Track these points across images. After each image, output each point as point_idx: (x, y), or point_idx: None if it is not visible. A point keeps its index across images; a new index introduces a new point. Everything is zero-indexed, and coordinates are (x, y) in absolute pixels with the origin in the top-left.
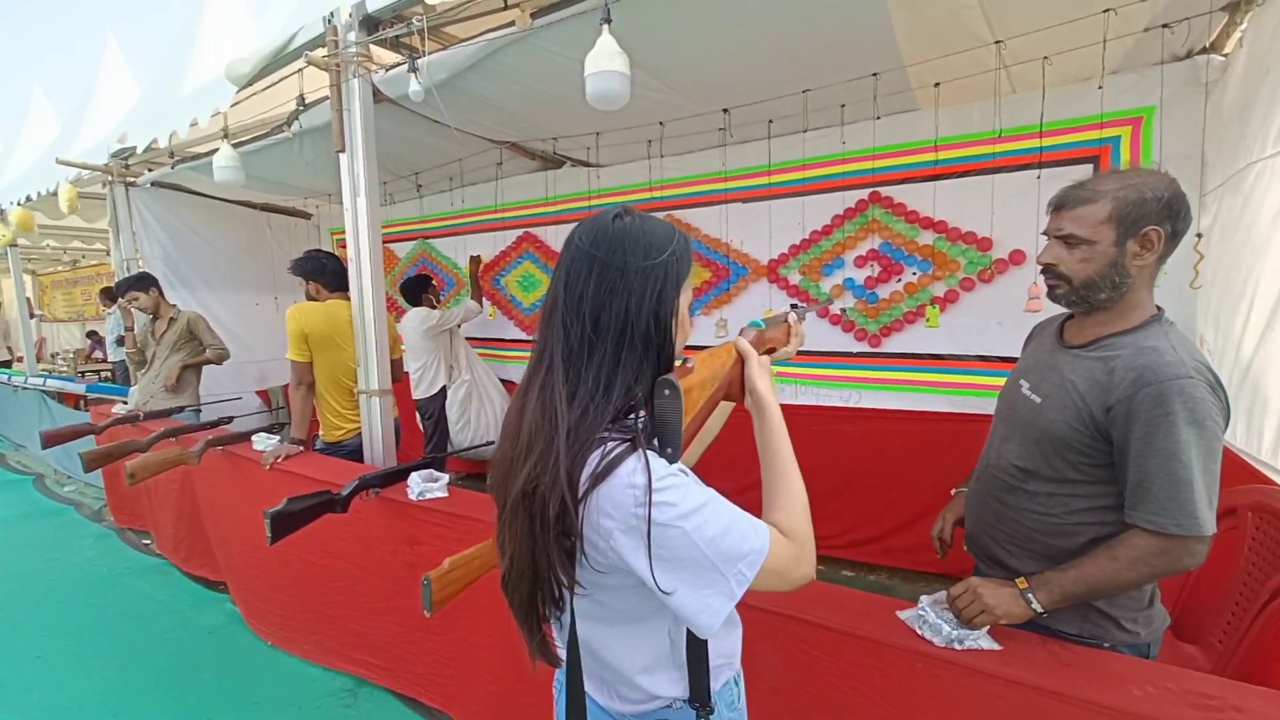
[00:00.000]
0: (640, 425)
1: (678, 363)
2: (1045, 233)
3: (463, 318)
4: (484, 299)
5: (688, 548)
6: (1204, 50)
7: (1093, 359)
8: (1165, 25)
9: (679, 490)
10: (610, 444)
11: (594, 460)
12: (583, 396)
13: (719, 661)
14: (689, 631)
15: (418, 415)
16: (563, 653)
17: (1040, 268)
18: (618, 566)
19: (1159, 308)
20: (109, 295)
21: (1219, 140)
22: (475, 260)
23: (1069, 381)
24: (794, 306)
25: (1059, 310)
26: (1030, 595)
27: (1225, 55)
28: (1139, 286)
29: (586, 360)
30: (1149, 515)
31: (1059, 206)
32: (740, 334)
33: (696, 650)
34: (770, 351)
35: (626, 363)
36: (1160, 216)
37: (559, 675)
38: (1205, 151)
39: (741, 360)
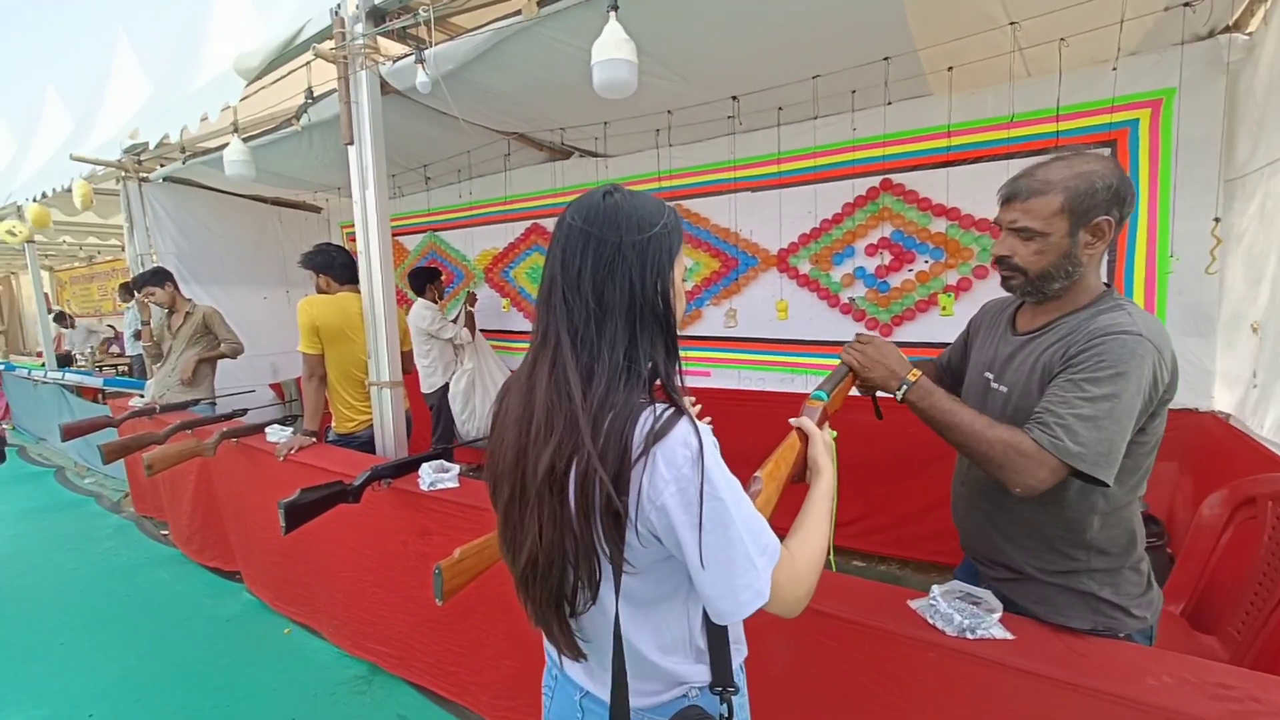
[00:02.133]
0: (683, 402)
1: (752, 486)
2: (996, 223)
3: (453, 338)
4: (476, 331)
5: (726, 524)
6: (1226, 29)
7: (1049, 337)
8: (1186, 3)
9: (721, 464)
10: (658, 407)
11: (646, 420)
12: (603, 370)
13: (733, 646)
14: (705, 615)
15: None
16: (584, 646)
17: (993, 259)
18: (660, 532)
19: (1106, 284)
20: (127, 291)
21: (1257, 121)
22: (471, 298)
23: (1030, 365)
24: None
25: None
26: (906, 385)
27: (1249, 34)
28: (1088, 272)
29: (598, 334)
30: (1042, 426)
31: (1010, 198)
32: (804, 410)
33: (717, 634)
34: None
35: (641, 335)
36: (1110, 205)
37: (547, 677)
38: (1236, 132)
39: (805, 440)
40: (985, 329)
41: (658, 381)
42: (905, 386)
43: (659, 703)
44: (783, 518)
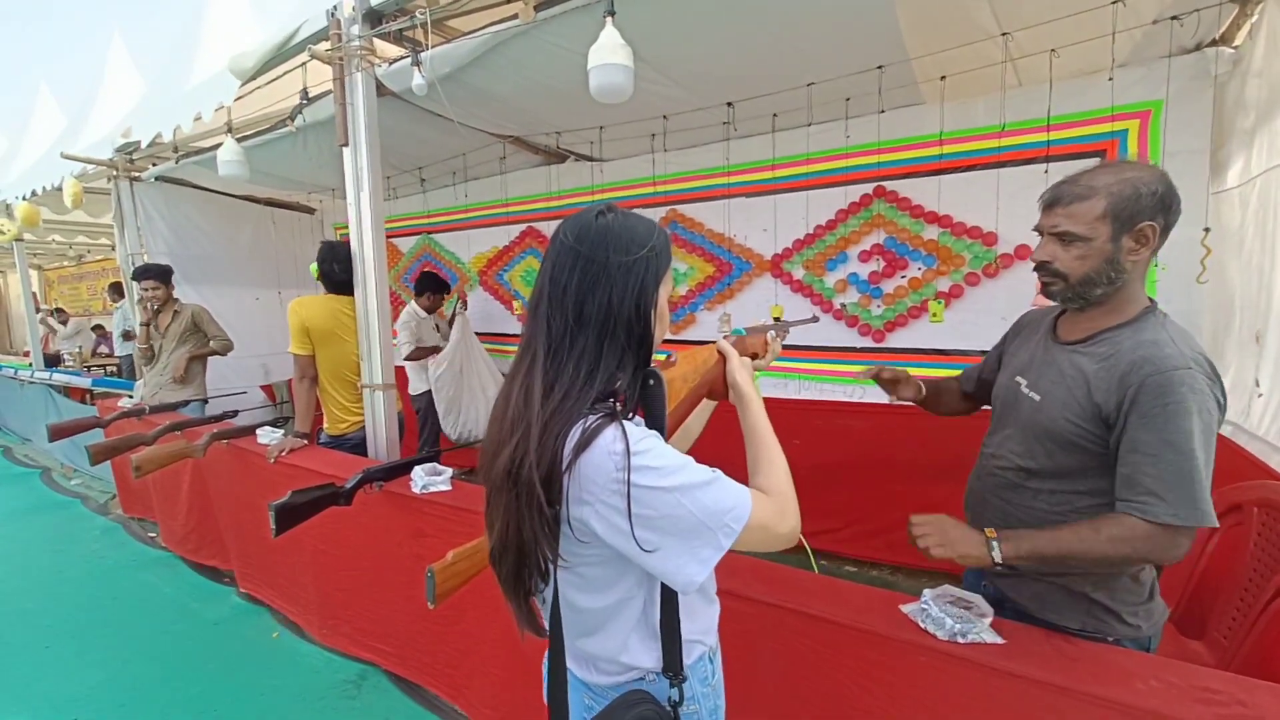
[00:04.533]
0: (618, 407)
1: (661, 357)
2: (1037, 229)
3: (407, 352)
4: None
5: (673, 506)
6: (1214, 43)
7: (1091, 354)
8: (1174, 17)
9: (657, 453)
10: (590, 418)
11: (575, 433)
12: (564, 383)
13: (692, 637)
14: (662, 606)
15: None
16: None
17: (1034, 265)
18: (600, 533)
19: (1151, 300)
20: (117, 290)
21: (1247, 132)
22: (463, 303)
23: (1068, 377)
24: (777, 321)
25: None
26: (995, 543)
27: (1235, 48)
28: (1133, 281)
29: (569, 350)
30: (1143, 502)
31: (1053, 203)
32: (723, 339)
33: (669, 624)
34: (753, 357)
35: (609, 352)
36: (1154, 211)
37: (548, 654)
38: (1223, 144)
39: (723, 359)
40: (1022, 337)
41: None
42: (995, 546)
43: (616, 683)
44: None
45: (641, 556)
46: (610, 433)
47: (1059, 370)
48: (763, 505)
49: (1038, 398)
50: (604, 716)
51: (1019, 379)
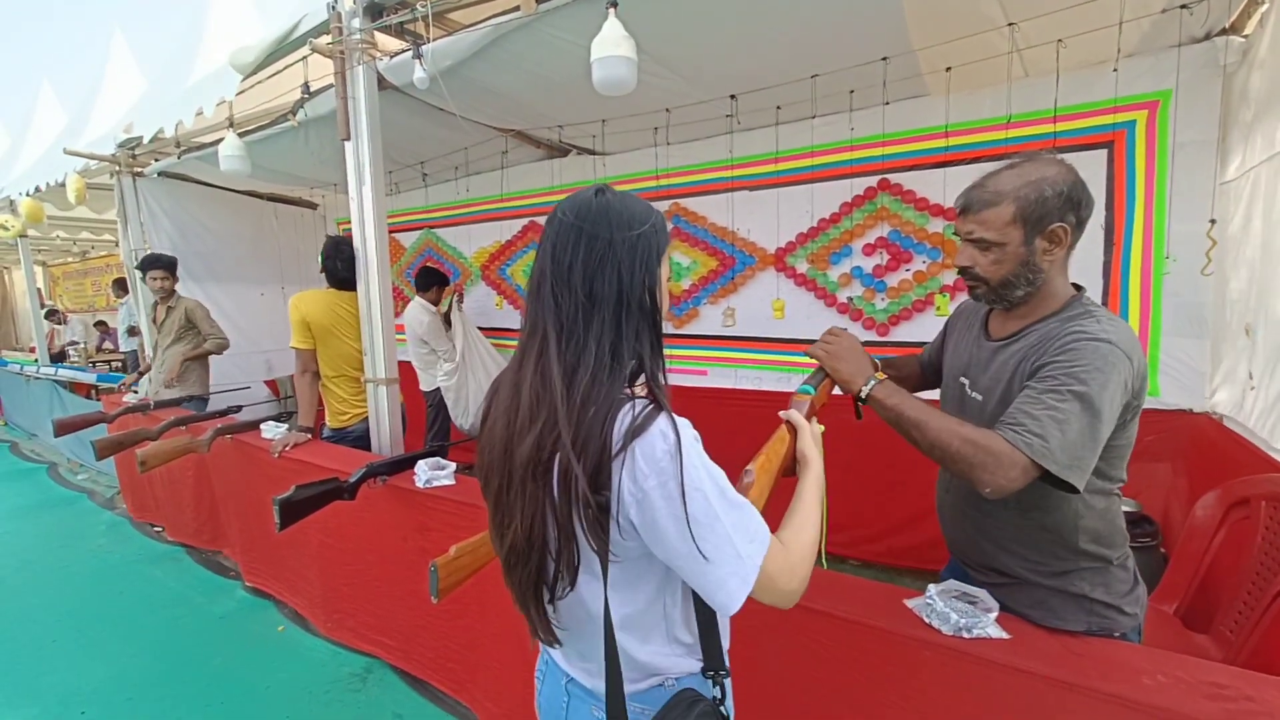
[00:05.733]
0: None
1: (744, 479)
2: (956, 234)
3: (440, 352)
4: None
5: (709, 513)
6: (1223, 32)
7: (1021, 344)
8: (1183, 6)
9: (702, 455)
10: (638, 403)
11: (625, 417)
12: (588, 364)
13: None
14: (696, 599)
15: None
16: (560, 633)
17: (957, 270)
18: (641, 527)
19: (1076, 286)
20: (121, 286)
21: (1250, 123)
22: (459, 298)
23: (1007, 373)
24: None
25: None
26: (874, 380)
27: (1245, 37)
28: (1053, 277)
29: (585, 329)
30: (1009, 428)
31: (964, 210)
32: (792, 403)
33: (707, 617)
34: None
35: (627, 330)
36: (1063, 211)
37: (540, 664)
38: (1231, 134)
39: (794, 432)
40: (959, 331)
41: (642, 377)
42: (872, 382)
43: (635, 690)
44: (773, 512)
45: (680, 557)
46: (662, 420)
47: (994, 371)
48: (776, 553)
49: (980, 398)
50: (660, 717)
51: (962, 379)
